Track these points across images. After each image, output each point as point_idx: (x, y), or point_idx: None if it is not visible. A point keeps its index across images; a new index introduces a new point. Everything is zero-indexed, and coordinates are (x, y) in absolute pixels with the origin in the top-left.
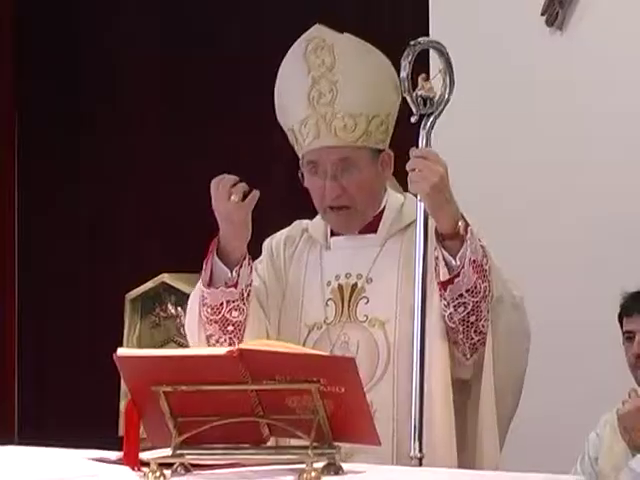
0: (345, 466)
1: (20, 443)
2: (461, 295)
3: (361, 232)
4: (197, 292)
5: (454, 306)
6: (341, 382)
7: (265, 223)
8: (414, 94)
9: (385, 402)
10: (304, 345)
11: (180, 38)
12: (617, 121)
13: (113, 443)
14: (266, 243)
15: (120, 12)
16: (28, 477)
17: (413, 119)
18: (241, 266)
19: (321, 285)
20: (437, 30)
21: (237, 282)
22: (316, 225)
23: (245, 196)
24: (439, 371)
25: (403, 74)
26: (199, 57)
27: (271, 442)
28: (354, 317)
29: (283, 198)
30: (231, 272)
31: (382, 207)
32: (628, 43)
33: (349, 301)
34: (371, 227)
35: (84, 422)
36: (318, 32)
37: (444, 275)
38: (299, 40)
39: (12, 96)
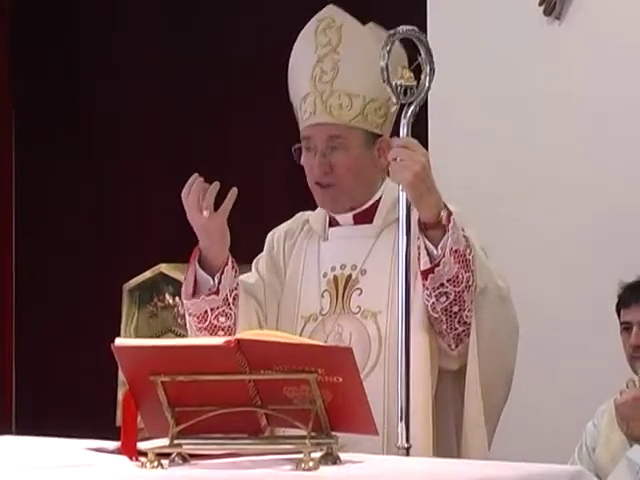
0: (343, 456)
1: (17, 433)
2: (442, 284)
3: (357, 222)
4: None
5: (436, 295)
6: (339, 372)
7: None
8: (394, 83)
9: (377, 393)
10: (300, 337)
11: (183, 35)
12: (615, 111)
13: (111, 433)
14: (268, 236)
15: (121, 10)
16: (26, 466)
17: (393, 108)
18: (222, 272)
19: (318, 276)
20: (435, 20)
21: (218, 289)
22: (316, 216)
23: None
24: (419, 362)
25: (382, 63)
26: (202, 54)
27: (268, 432)
28: (348, 308)
29: (284, 192)
30: (212, 279)
31: (379, 197)
32: (626, 33)
33: (343, 292)
34: (367, 217)
35: (82, 411)
36: (330, 12)
37: (425, 264)
38: (312, 19)
39: (9, 94)
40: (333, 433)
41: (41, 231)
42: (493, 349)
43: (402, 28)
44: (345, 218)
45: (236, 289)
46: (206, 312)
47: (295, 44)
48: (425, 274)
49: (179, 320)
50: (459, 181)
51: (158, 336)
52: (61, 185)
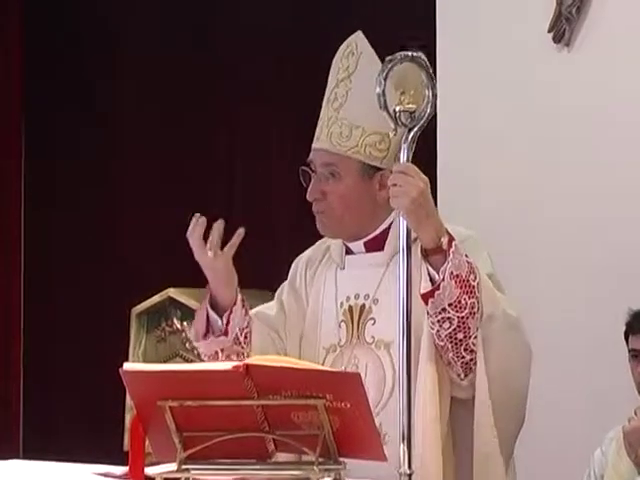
0: None
1: (25, 457)
2: (444, 309)
3: (369, 250)
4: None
5: (439, 321)
6: (347, 398)
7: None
8: (392, 109)
9: (394, 422)
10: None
11: (182, 36)
12: (624, 137)
13: (118, 457)
14: (293, 265)
15: (123, 7)
16: None
17: (391, 134)
18: (230, 312)
19: (335, 306)
20: (444, 46)
21: (227, 330)
22: (335, 244)
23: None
24: (427, 391)
25: (378, 90)
26: (203, 55)
27: (276, 457)
28: (363, 339)
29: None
30: (220, 319)
31: (389, 224)
32: (635, 60)
33: (358, 322)
34: (378, 244)
35: (89, 436)
36: (356, 38)
37: (425, 288)
38: (345, 41)
39: (19, 105)
40: (341, 459)
41: (49, 255)
42: (503, 377)
43: (400, 54)
44: (357, 246)
45: (247, 327)
46: (217, 353)
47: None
48: (425, 298)
49: (187, 345)
50: (466, 200)
51: (166, 361)
52: (69, 209)
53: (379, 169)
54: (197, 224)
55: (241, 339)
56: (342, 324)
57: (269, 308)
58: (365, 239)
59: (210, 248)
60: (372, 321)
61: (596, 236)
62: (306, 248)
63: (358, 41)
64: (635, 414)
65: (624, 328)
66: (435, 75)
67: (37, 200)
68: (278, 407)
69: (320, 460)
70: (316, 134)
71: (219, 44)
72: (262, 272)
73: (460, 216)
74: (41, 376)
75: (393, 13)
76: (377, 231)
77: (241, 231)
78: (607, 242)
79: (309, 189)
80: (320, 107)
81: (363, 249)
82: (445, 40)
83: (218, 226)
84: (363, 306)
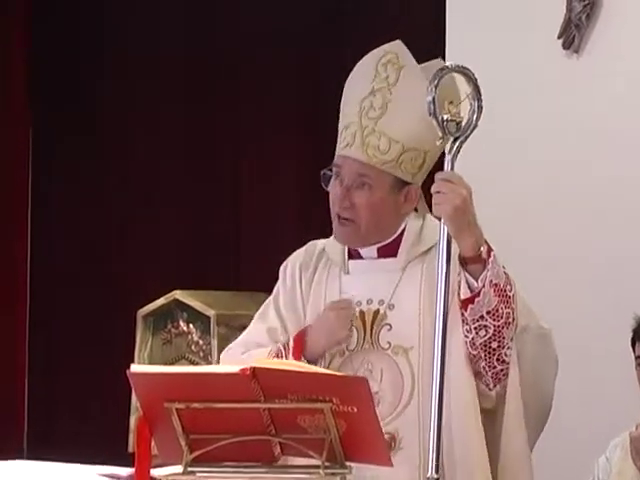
0: None
1: (29, 457)
2: (482, 317)
3: (380, 256)
4: None
5: (475, 328)
6: (353, 402)
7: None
8: (440, 118)
9: (412, 428)
10: None
11: (203, 36)
12: (634, 144)
13: (123, 459)
14: (281, 270)
15: (139, 11)
16: None
17: (438, 143)
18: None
19: None
20: (453, 52)
21: None
22: (333, 246)
23: None
24: (467, 399)
25: (429, 97)
26: (221, 56)
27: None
28: (377, 344)
29: (295, 201)
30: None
31: (402, 230)
32: None
33: (371, 328)
34: (390, 251)
35: (94, 437)
36: (397, 48)
37: (465, 294)
38: (380, 47)
39: (26, 107)
40: (347, 463)
41: (55, 256)
42: (533, 388)
43: (451, 64)
44: (369, 251)
45: None
46: None
47: (357, 65)
48: (465, 304)
49: (193, 347)
50: (481, 209)
51: (172, 363)
52: (76, 209)
53: (408, 183)
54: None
55: None
56: (352, 329)
57: (272, 321)
58: (378, 245)
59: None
60: (388, 327)
61: (603, 241)
62: None
63: (400, 52)
64: None
65: (630, 335)
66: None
67: (43, 201)
68: (284, 410)
69: (326, 464)
70: (346, 140)
71: (221, 45)
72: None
73: None
74: (46, 377)
75: (401, 18)
76: (391, 238)
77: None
78: (613, 248)
79: (338, 196)
80: (325, 113)
81: (375, 254)
82: (454, 46)
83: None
84: (377, 311)
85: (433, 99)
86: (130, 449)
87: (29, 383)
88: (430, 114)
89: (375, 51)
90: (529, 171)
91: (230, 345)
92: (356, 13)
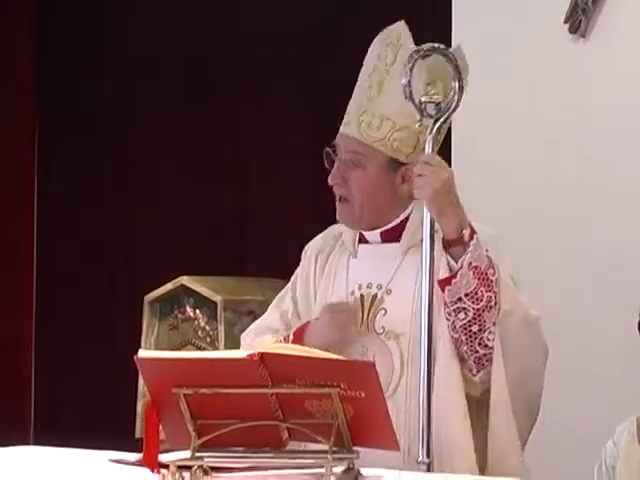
0: (364, 471)
1: (35, 442)
2: (460, 299)
3: (385, 240)
4: None
5: (454, 310)
6: (361, 387)
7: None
8: (417, 99)
9: (399, 413)
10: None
11: (203, 36)
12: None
13: (129, 444)
14: (303, 253)
15: (139, 11)
16: (46, 478)
17: (417, 125)
18: None
19: (346, 294)
20: (459, 38)
21: None
22: (348, 231)
23: None
24: (450, 384)
25: (404, 80)
26: (221, 55)
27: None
28: (372, 328)
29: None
30: None
31: (408, 215)
32: None
33: (369, 312)
34: (393, 236)
35: (100, 423)
36: (399, 29)
37: (443, 275)
38: (386, 28)
39: (32, 103)
40: (354, 448)
41: (61, 243)
42: (518, 374)
43: (426, 45)
44: (373, 235)
45: None
46: None
47: (371, 46)
48: (443, 285)
49: (199, 333)
50: (483, 190)
51: (178, 348)
52: (80, 196)
53: (404, 163)
54: (355, 315)
55: None
56: (350, 331)
57: (287, 305)
58: (382, 229)
59: (355, 325)
60: (383, 311)
61: (610, 231)
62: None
63: (401, 32)
64: None
65: (638, 320)
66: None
67: (50, 185)
68: (292, 396)
69: (334, 449)
70: (345, 119)
71: (221, 45)
72: (272, 261)
73: (474, 209)
74: (52, 363)
75: (407, 8)
76: (394, 222)
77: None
78: (619, 237)
79: (331, 173)
80: (334, 107)
81: (379, 239)
82: (460, 32)
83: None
84: (375, 296)
85: (408, 82)
86: (137, 435)
87: (35, 370)
88: (406, 97)
89: (383, 31)
90: (534, 156)
91: (247, 329)
92: (356, 13)
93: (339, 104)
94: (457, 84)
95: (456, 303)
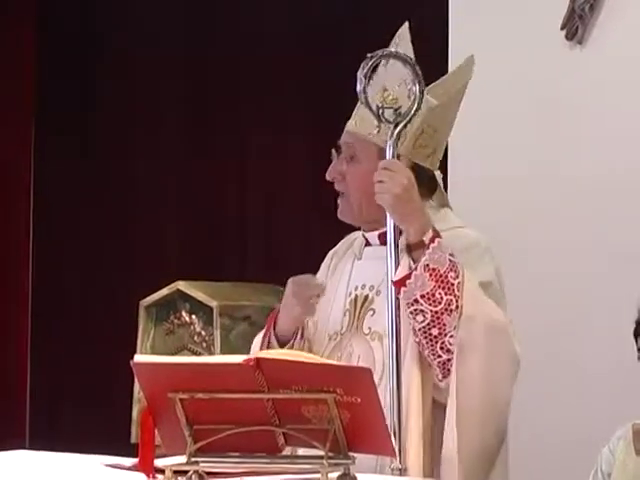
0: (359, 477)
1: (31, 446)
2: (417, 301)
3: (383, 243)
4: None
5: (412, 313)
6: (357, 392)
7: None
8: (374, 105)
9: None
10: (323, 355)
11: (203, 36)
12: (637, 136)
13: (125, 450)
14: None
15: (139, 11)
16: None
17: (375, 131)
18: (292, 346)
19: (345, 295)
20: (456, 43)
21: None
22: (361, 236)
23: None
24: (411, 392)
25: (359, 87)
26: (221, 55)
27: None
28: (360, 329)
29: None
30: (281, 346)
31: None
32: None
33: (360, 312)
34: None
35: (96, 428)
36: (402, 30)
37: (398, 275)
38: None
39: (30, 100)
40: (350, 453)
41: (57, 246)
42: (483, 382)
43: (382, 51)
44: (373, 237)
45: None
46: None
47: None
48: (398, 286)
49: (195, 338)
50: (479, 196)
51: (174, 353)
52: (78, 199)
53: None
54: (320, 290)
55: None
56: (347, 313)
57: None
58: (380, 231)
59: (314, 299)
60: (371, 312)
61: (606, 234)
62: (319, 250)
63: (403, 32)
64: None
65: (633, 326)
66: (446, 73)
67: (47, 184)
68: (288, 401)
69: (330, 454)
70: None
71: (221, 45)
72: (271, 266)
73: (469, 212)
74: (49, 368)
75: (403, 14)
76: None
77: (324, 287)
78: (616, 240)
79: (329, 168)
80: (334, 108)
81: (378, 241)
82: (457, 38)
83: (322, 287)
84: (367, 297)
85: (364, 88)
86: (133, 440)
87: (31, 375)
88: (362, 102)
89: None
90: (531, 161)
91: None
92: (356, 13)
93: (339, 104)
94: (417, 87)
95: (413, 305)
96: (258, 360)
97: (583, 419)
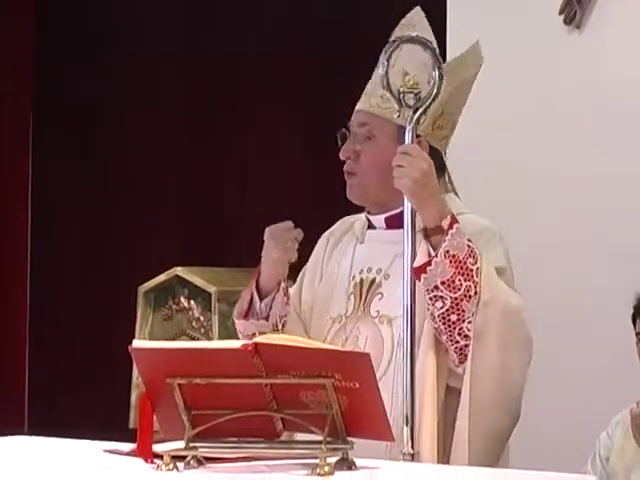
0: (358, 462)
1: (30, 432)
2: (437, 287)
3: (389, 226)
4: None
5: (431, 299)
6: (356, 377)
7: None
8: (396, 89)
9: (384, 399)
10: (325, 338)
11: (203, 36)
12: (636, 120)
13: (123, 435)
14: (319, 241)
15: (139, 11)
16: (40, 467)
17: (395, 115)
18: (273, 299)
19: (348, 278)
20: (454, 30)
21: (269, 314)
22: (361, 219)
23: None
24: (424, 376)
25: (381, 71)
26: (221, 55)
27: (284, 436)
28: (367, 312)
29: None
30: (262, 303)
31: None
32: None
33: (366, 296)
34: (398, 222)
35: (94, 413)
36: (414, 13)
37: (418, 262)
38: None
39: (28, 98)
40: (349, 438)
41: (56, 233)
42: (499, 366)
43: (405, 35)
44: (378, 220)
45: (286, 315)
46: (254, 334)
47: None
48: (418, 273)
49: (194, 323)
50: (477, 183)
51: (172, 339)
52: (76, 186)
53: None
54: (297, 234)
55: (279, 327)
56: (351, 296)
57: (294, 290)
58: (386, 214)
59: (292, 240)
60: (380, 295)
61: (604, 224)
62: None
63: (416, 15)
64: None
65: (632, 311)
66: (445, 58)
67: (46, 177)
68: (287, 386)
69: (328, 439)
70: (361, 97)
71: (221, 44)
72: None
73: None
74: (47, 354)
75: (402, 4)
76: (399, 208)
77: (300, 231)
78: (616, 229)
79: (343, 147)
80: (334, 108)
81: (384, 225)
82: (455, 24)
83: (299, 234)
84: (374, 280)
85: (386, 72)
86: (132, 425)
87: (29, 360)
88: (383, 87)
89: (401, 21)
90: (530, 148)
91: None
92: (357, 13)
93: (339, 104)
94: (437, 72)
95: (433, 291)
96: (256, 345)
97: (582, 404)
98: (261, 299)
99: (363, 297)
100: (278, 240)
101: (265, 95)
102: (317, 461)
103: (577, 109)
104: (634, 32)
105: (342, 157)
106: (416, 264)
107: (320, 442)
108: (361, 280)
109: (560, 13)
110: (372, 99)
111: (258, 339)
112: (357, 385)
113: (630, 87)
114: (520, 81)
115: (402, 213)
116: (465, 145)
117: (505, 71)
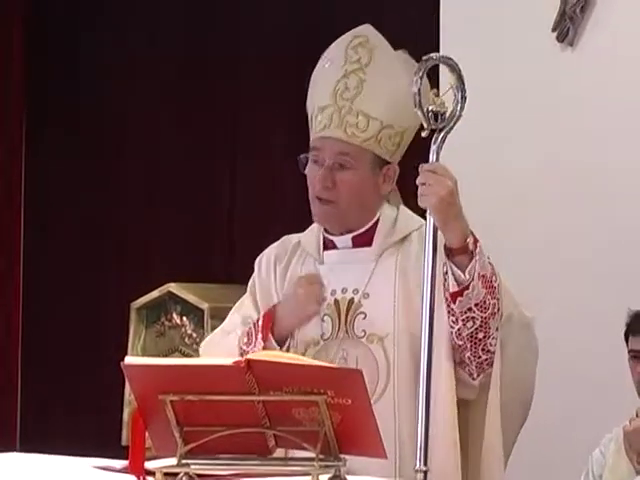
0: (350, 478)
1: (22, 448)
2: (470, 309)
3: (355, 245)
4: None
5: (463, 320)
6: (348, 394)
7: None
8: (425, 109)
9: (387, 417)
10: None
11: (203, 36)
12: (628, 137)
13: (115, 452)
14: (256, 263)
15: (139, 11)
16: None
17: (424, 134)
18: (288, 347)
19: None
20: (447, 46)
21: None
22: (308, 238)
23: None
24: (445, 390)
25: (414, 89)
26: (221, 55)
27: (277, 453)
28: (352, 333)
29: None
30: (281, 349)
31: (376, 219)
32: (638, 60)
33: (346, 316)
34: (364, 240)
35: (86, 430)
36: (366, 31)
37: (453, 287)
38: (347, 33)
39: (21, 99)
40: (341, 455)
41: (49, 248)
42: (515, 378)
43: (435, 55)
44: (344, 240)
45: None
46: (246, 352)
47: (324, 53)
48: (454, 297)
49: (186, 340)
50: (467, 198)
51: (165, 355)
52: (70, 200)
53: (387, 162)
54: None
55: None
56: (326, 318)
57: (250, 309)
58: (353, 234)
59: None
60: (362, 315)
61: (598, 236)
62: None
63: (370, 35)
64: (636, 415)
65: (624, 329)
66: (437, 76)
67: (40, 185)
68: (279, 403)
69: (320, 456)
70: (322, 122)
71: (221, 45)
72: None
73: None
74: (40, 369)
75: (395, 12)
76: (365, 227)
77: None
78: (608, 242)
79: (319, 177)
80: None
81: (350, 244)
82: (448, 39)
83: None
84: (352, 300)
85: (419, 90)
86: (124, 442)
87: (22, 377)
88: (415, 105)
89: (343, 36)
90: (524, 164)
91: (207, 337)
92: (357, 13)
93: None
94: (460, 94)
95: (466, 313)
96: (249, 362)
97: (575, 421)
98: (280, 346)
99: (343, 318)
100: (311, 295)
101: (265, 95)
102: (309, 478)
103: (571, 125)
104: (626, 49)
105: (320, 186)
106: (452, 289)
107: (313, 459)
108: (336, 301)
109: (553, 30)
110: (348, 128)
111: (250, 356)
112: (349, 402)
113: (623, 103)
114: (514, 98)
115: (368, 231)
116: (458, 160)
117: (498, 88)
